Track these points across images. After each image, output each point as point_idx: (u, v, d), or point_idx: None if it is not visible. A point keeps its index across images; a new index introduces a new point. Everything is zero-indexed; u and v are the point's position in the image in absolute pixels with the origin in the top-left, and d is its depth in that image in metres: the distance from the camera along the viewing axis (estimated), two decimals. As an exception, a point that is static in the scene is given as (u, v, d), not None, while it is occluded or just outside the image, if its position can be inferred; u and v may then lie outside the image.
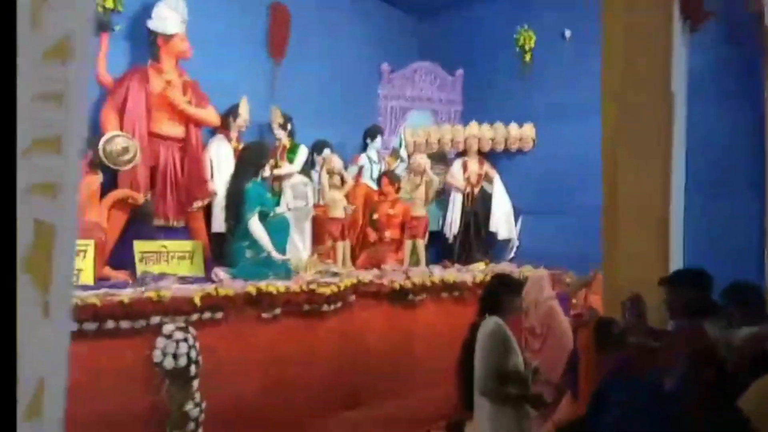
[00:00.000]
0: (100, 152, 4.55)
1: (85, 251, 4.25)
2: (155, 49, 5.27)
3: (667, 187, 3.50)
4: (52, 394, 1.06)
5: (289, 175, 6.18)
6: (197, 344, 3.46)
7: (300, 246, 6.09)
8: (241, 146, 5.69)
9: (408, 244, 6.24)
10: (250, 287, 3.85)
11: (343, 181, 6.17)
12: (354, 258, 6.46)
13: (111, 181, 4.98)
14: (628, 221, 3.51)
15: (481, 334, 3.06)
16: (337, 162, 5.97)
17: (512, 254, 7.25)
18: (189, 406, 3.34)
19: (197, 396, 3.39)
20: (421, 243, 6.22)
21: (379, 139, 7.17)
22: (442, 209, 7.39)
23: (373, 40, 7.66)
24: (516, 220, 7.26)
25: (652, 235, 3.49)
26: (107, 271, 4.65)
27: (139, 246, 5.02)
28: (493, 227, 7.17)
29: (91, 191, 4.47)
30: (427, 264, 6.18)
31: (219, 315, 3.66)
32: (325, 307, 4.22)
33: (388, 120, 7.84)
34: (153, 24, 5.23)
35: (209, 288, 3.70)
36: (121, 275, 4.62)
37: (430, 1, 7.93)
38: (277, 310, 3.95)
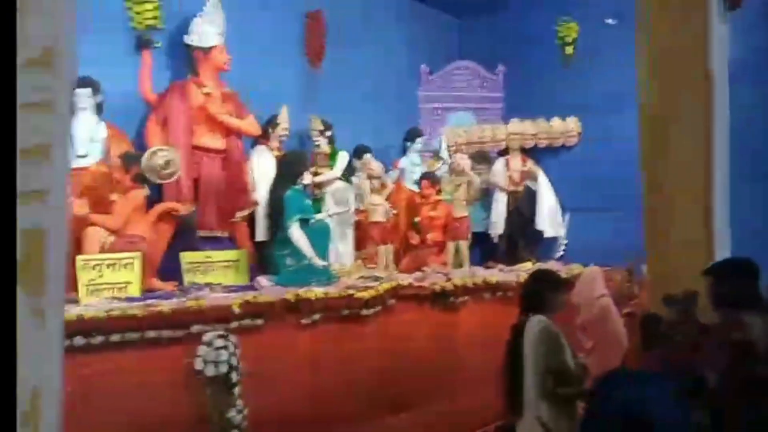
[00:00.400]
0: (145, 166, 4.67)
1: (131, 263, 4.36)
2: (194, 63, 5.40)
3: (710, 174, 3.32)
4: (48, 401, 1.07)
5: (330, 182, 6.21)
6: (238, 351, 3.49)
7: (343, 252, 6.12)
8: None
9: (450, 245, 6.17)
10: (289, 294, 3.88)
11: (383, 186, 6.16)
12: (398, 262, 6.45)
13: (157, 195, 5.13)
14: (669, 211, 3.35)
15: (529, 334, 2.97)
16: (376, 166, 5.97)
17: (560, 252, 7.09)
18: (231, 413, 3.38)
19: (239, 403, 3.43)
20: (464, 244, 6.14)
21: (419, 141, 7.14)
22: (486, 210, 7.30)
23: (412, 42, 7.64)
24: (563, 217, 7.09)
25: (695, 224, 3.32)
26: (155, 282, 4.77)
27: (185, 257, 5.12)
28: (539, 225, 7.04)
29: (136, 205, 4.59)
30: (471, 265, 6.10)
31: (259, 322, 3.70)
32: (364, 312, 4.21)
33: (429, 122, 7.80)
34: (190, 39, 5.36)
35: (248, 295, 3.74)
36: (168, 286, 4.72)
37: (467, -1, 7.86)
38: (316, 316, 3.97)
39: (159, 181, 4.81)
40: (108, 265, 4.25)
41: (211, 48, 5.36)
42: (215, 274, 5.23)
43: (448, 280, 4.91)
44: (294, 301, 3.85)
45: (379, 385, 4.15)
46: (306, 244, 4.92)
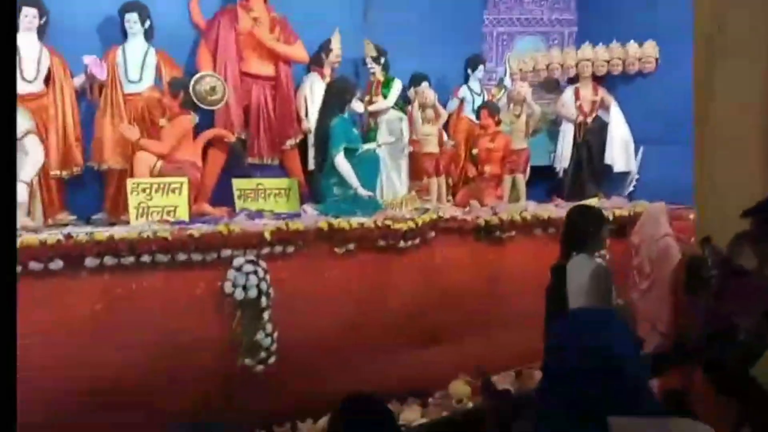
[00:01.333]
0: (191, 92, 4.69)
1: (179, 188, 4.45)
2: (242, -14, 5.30)
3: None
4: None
5: (383, 111, 6.06)
6: (268, 276, 3.54)
7: (397, 183, 6.00)
8: (331, 82, 5.64)
9: (507, 179, 5.93)
10: (322, 222, 3.85)
11: (437, 116, 5.94)
12: (456, 194, 6.31)
13: (208, 122, 5.19)
14: (720, 148, 3.02)
15: (576, 275, 2.73)
16: (429, 95, 5.73)
17: (630, 188, 6.67)
18: (260, 336, 3.46)
19: (268, 326, 3.50)
20: (521, 178, 5.88)
21: (481, 69, 6.78)
22: (553, 141, 6.94)
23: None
24: (636, 152, 6.63)
25: (747, 163, 2.98)
26: (206, 207, 4.89)
27: (237, 183, 5.21)
28: (608, 159, 6.61)
29: (184, 131, 4.65)
30: (533, 200, 5.85)
31: (290, 249, 3.70)
32: (402, 244, 4.14)
33: (495, 48, 7.38)
34: (239, -38, 5.24)
35: (279, 222, 3.74)
36: (218, 211, 4.82)
37: None
38: (351, 246, 3.93)
39: (206, 107, 4.84)
40: (157, 189, 4.37)
41: (257, -29, 5.23)
42: (266, 201, 5.31)
43: (495, 214, 4.72)
44: (327, 230, 3.83)
45: (413, 317, 4.12)
46: (351, 173, 4.85)
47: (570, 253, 2.81)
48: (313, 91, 5.68)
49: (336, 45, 5.85)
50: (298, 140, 5.51)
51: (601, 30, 6.83)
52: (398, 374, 3.96)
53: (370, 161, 5.23)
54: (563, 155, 6.73)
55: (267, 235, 3.58)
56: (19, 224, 3.60)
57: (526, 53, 7.00)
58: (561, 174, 6.80)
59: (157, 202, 4.35)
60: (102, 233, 3.10)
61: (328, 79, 5.75)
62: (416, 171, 6.04)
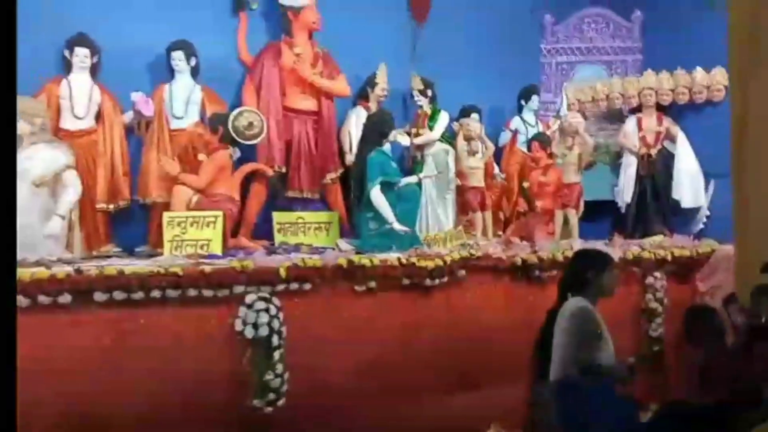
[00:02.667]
0: (230, 127, 4.77)
1: (214, 222, 4.49)
2: (287, 23, 5.38)
3: None
4: None
5: (430, 144, 5.94)
6: (281, 315, 3.46)
7: (443, 218, 5.85)
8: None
9: (559, 214, 5.62)
10: (341, 259, 3.75)
11: (488, 147, 5.76)
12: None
13: (253, 156, 5.25)
14: (760, 184, 2.68)
15: (559, 317, 2.58)
16: (475, 127, 5.56)
17: (701, 225, 6.17)
18: (269, 376, 3.37)
19: (279, 367, 3.41)
20: (574, 213, 5.56)
21: (535, 99, 6.55)
22: (616, 174, 6.56)
23: (534, -11, 6.95)
24: (705, 186, 6.14)
25: None
26: (243, 241, 4.91)
27: (277, 217, 5.23)
28: (675, 194, 6.15)
29: (221, 165, 4.71)
30: (590, 238, 5.52)
31: (307, 286, 3.62)
32: (428, 282, 3.96)
33: (553, 78, 7.12)
34: (282, -1, 5.34)
35: (296, 258, 3.67)
36: (255, 245, 4.82)
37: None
38: (372, 284, 3.80)
39: (245, 142, 4.90)
40: (192, 223, 4.43)
41: (301, 7, 5.30)
42: (306, 235, 5.29)
43: (534, 251, 4.45)
44: (347, 266, 3.72)
45: (439, 362, 3.91)
46: (386, 208, 4.73)
47: (565, 296, 2.59)
48: (358, 125, 5.64)
49: (381, 79, 5.81)
50: (339, 174, 5.47)
51: (667, 56, 6.44)
52: (422, 424, 3.74)
53: (410, 195, 5.09)
54: (625, 189, 6.34)
55: (282, 272, 3.50)
56: (55, 256, 3.74)
57: (584, 83, 6.69)
58: (623, 209, 6.40)
59: (192, 236, 4.40)
60: (112, 268, 3.13)
61: (372, 113, 5.72)
62: (463, 205, 5.86)
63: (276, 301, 3.46)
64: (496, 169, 6.38)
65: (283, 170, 5.27)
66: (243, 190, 5.26)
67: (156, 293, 3.19)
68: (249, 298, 3.39)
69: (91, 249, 4.68)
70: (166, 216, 4.43)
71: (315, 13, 5.35)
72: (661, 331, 4.65)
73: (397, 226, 4.71)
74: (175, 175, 4.66)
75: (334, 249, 4.69)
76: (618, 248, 4.76)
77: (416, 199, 5.16)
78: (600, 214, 6.83)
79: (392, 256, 3.94)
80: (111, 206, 4.87)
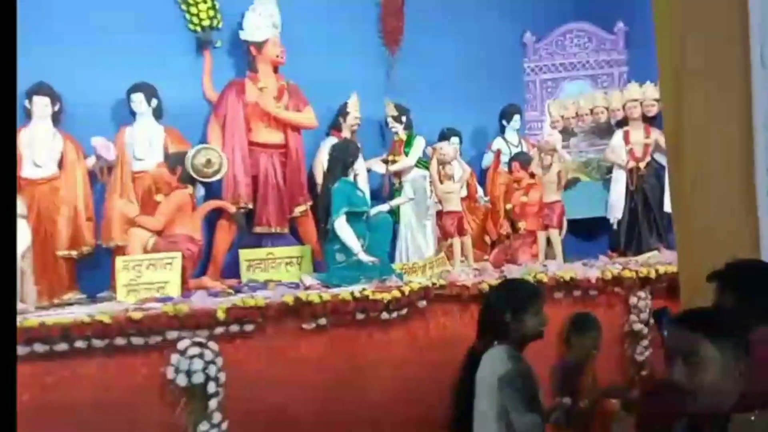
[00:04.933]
0: (188, 166, 4.67)
1: (171, 263, 4.37)
2: (251, 58, 5.31)
3: (750, 136, 2.34)
4: None
5: (407, 170, 5.78)
6: (219, 360, 3.27)
7: (423, 245, 5.65)
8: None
9: (541, 236, 5.35)
10: (287, 296, 3.56)
11: (464, 171, 5.56)
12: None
13: (218, 194, 5.15)
14: (699, 186, 2.44)
15: (487, 372, 2.24)
16: (448, 150, 5.36)
17: (698, 239, 5.82)
18: (204, 427, 3.17)
19: (216, 416, 3.21)
20: (556, 233, 5.28)
21: (516, 119, 6.36)
22: (607, 190, 6.29)
23: (511, 6, 6.77)
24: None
25: (733, 204, 2.36)
26: (206, 281, 4.76)
27: (243, 254, 5.08)
28: (668, 207, 5.83)
29: (180, 205, 4.60)
30: (582, 257, 5.26)
31: (249, 327, 3.43)
32: (385, 315, 3.73)
33: (538, 96, 6.91)
34: (244, 34, 5.29)
35: (236, 299, 3.50)
36: (218, 285, 4.68)
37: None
38: (322, 321, 3.59)
39: (204, 180, 4.80)
40: (148, 266, 4.31)
41: (264, 41, 5.24)
42: (277, 270, 5.13)
43: (503, 277, 4.20)
44: (293, 304, 3.52)
45: (401, 401, 3.65)
46: (352, 238, 4.54)
47: (489, 340, 2.29)
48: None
49: (353, 107, 5.71)
50: (308, 206, 5.32)
51: (653, 67, 6.18)
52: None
53: (381, 224, 4.91)
54: (616, 205, 6.06)
55: (220, 314, 3.33)
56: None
57: (567, 99, 6.47)
58: (615, 225, 6.11)
59: (147, 278, 4.28)
60: (33, 319, 2.99)
61: (345, 143, 5.58)
62: (442, 231, 5.65)
63: (212, 345, 3.27)
64: (480, 192, 6.18)
65: (250, 206, 5.13)
66: (211, 229, 5.18)
67: (80, 344, 3.04)
68: (181, 344, 3.22)
69: (53, 297, 4.59)
70: (119, 261, 4.31)
71: (278, 47, 5.27)
72: (647, 354, 4.32)
73: (363, 256, 4.52)
74: (133, 218, 4.57)
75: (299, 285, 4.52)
76: (595, 268, 4.47)
77: (387, 228, 4.97)
78: (597, 232, 6.56)
79: (344, 291, 3.73)
80: (74, 252, 4.79)
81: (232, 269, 5.17)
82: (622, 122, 6.16)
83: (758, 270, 1.93)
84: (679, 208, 2.59)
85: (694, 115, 2.45)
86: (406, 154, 5.79)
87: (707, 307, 1.71)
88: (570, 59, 6.85)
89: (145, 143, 5.00)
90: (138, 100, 4.98)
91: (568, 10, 6.91)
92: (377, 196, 5.77)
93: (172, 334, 3.24)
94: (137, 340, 3.17)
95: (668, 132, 2.67)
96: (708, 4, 2.47)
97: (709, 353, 1.39)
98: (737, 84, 2.36)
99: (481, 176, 6.35)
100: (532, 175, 5.65)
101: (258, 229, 5.19)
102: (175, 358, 3.19)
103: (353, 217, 4.66)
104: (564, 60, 6.86)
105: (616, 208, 6.02)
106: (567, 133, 6.53)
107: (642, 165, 5.93)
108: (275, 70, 5.37)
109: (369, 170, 5.80)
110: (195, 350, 3.21)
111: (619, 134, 6.09)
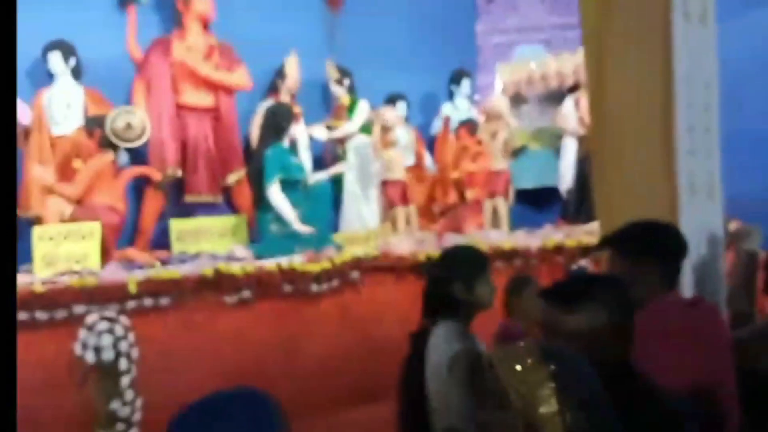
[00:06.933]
0: (108, 130, 4.35)
1: (91, 234, 4.07)
2: (178, 15, 4.96)
3: (671, 94, 2.21)
4: None
5: (351, 137, 5.54)
6: (131, 335, 3.04)
7: (367, 215, 5.45)
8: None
9: (487, 204, 5.21)
10: (207, 269, 3.33)
11: (420, 140, 5.38)
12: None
13: (143, 160, 4.84)
14: (619, 145, 2.30)
15: (434, 353, 2.01)
16: (390, 116, 5.15)
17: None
18: (116, 405, 2.95)
19: (128, 393, 2.99)
20: (502, 202, 5.14)
21: (465, 83, 6.15)
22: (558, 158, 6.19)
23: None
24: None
25: (653, 164, 2.24)
26: (132, 252, 4.48)
27: (173, 224, 4.80)
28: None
29: (99, 171, 4.29)
30: (511, 227, 5.14)
31: (165, 301, 3.20)
32: (315, 288, 3.54)
33: (491, 59, 6.70)
34: (171, -11, 4.93)
35: (151, 271, 3.26)
36: (146, 257, 4.41)
37: None
38: (246, 293, 3.38)
39: (125, 145, 4.48)
40: (65, 236, 4.01)
41: (191, -3, 4.88)
42: (209, 241, 4.87)
43: (442, 247, 4.04)
44: (213, 276, 3.30)
45: (331, 375, 3.48)
46: (286, 207, 4.33)
47: (433, 317, 2.08)
48: (266, 119, 5.24)
49: (291, 69, 5.41)
50: (244, 174, 5.05)
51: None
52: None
53: (320, 193, 4.71)
54: (565, 174, 5.96)
55: (132, 287, 3.09)
56: None
57: (519, 63, 6.30)
58: (565, 195, 6.02)
59: (66, 250, 3.98)
60: None
61: (286, 106, 5.30)
62: (386, 200, 5.46)
63: (124, 320, 3.03)
64: (428, 160, 5.99)
65: (179, 173, 4.84)
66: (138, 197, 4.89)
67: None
68: (90, 319, 2.97)
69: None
70: (35, 231, 4.00)
71: (207, 2, 4.93)
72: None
73: (298, 226, 4.31)
74: (49, 186, 4.25)
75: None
76: (538, 237, 4.35)
77: (326, 197, 4.77)
78: (550, 201, 6.47)
79: (270, 262, 3.51)
80: (-12, 224, 4.44)
81: (163, 240, 4.90)
82: (574, 89, 6.02)
83: (644, 231, 1.80)
84: (600, 168, 2.45)
85: (616, 74, 2.29)
86: (350, 120, 5.55)
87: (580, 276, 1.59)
88: (523, 22, 6.64)
89: (64, 106, 4.64)
90: (55, 59, 4.60)
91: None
92: (321, 164, 5.54)
93: (79, 309, 2.99)
94: (41, 315, 2.91)
95: (591, 92, 2.51)
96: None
97: (570, 325, 1.33)
98: (659, 40, 2.20)
99: (431, 144, 6.16)
100: (480, 143, 5.49)
101: (188, 198, 4.90)
102: (83, 333, 2.95)
103: (289, 186, 4.43)
104: (517, 23, 6.65)
105: (566, 177, 5.92)
106: (519, 100, 6.37)
107: (591, 132, 5.81)
108: (205, 27, 5.03)
109: (311, 137, 5.54)
110: (104, 325, 2.97)
111: (569, 101, 5.96)
